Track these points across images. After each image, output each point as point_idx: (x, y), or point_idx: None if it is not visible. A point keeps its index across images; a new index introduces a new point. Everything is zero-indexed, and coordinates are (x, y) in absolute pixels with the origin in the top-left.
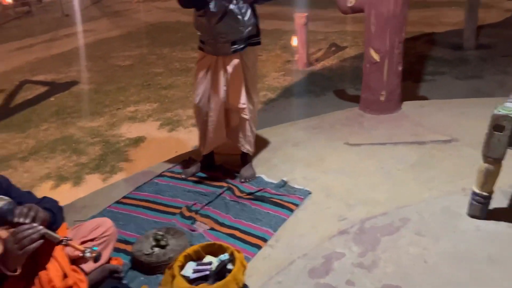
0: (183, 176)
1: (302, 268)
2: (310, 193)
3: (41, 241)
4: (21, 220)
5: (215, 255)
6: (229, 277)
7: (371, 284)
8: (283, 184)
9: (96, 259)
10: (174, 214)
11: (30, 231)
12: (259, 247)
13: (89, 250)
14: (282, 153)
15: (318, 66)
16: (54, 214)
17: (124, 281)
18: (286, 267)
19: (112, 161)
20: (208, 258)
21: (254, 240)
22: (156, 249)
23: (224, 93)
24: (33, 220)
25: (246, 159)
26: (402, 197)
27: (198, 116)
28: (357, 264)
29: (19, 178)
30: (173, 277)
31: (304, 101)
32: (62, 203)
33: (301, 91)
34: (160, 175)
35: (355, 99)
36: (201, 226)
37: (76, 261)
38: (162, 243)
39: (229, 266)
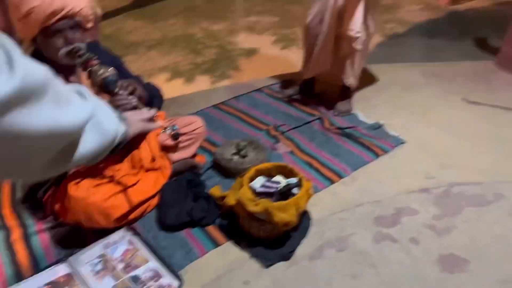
0: (280, 96)
1: (369, 212)
2: (403, 143)
3: None
4: (120, 92)
5: (285, 177)
6: (291, 200)
7: (435, 249)
8: (378, 126)
9: (174, 137)
10: (261, 130)
11: (124, 101)
12: (332, 181)
13: (170, 127)
14: (387, 95)
15: (464, 5)
16: (151, 97)
17: (202, 178)
18: (353, 208)
19: (223, 67)
20: (277, 178)
21: (329, 174)
22: (236, 157)
23: (338, 17)
24: (131, 93)
25: (346, 92)
26: (506, 172)
27: (306, 38)
28: (428, 225)
29: (141, 64)
30: (242, 185)
31: (434, 43)
32: (170, 95)
33: (435, 31)
34: (259, 90)
35: (494, 52)
36: (282, 148)
37: (165, 148)
38: (242, 153)
39: (295, 191)
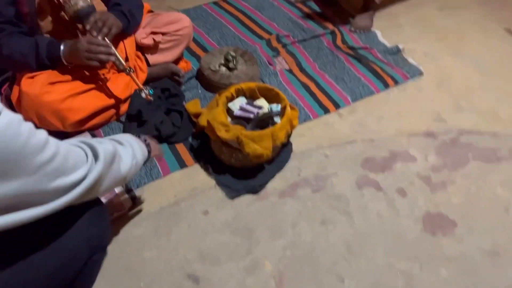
0: (293, 0)
1: (359, 152)
2: (421, 74)
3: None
4: (94, 33)
5: (269, 101)
6: (267, 130)
7: (423, 204)
8: (396, 51)
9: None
10: (261, 38)
11: (102, 49)
12: (326, 111)
13: (145, 90)
14: (416, 13)
15: None
16: (128, 22)
17: (182, 88)
18: (342, 144)
19: None
20: (261, 102)
21: (326, 102)
22: (223, 69)
23: None
24: (105, 36)
25: (369, 4)
26: None
27: None
28: (423, 176)
29: None
30: (217, 105)
31: None
32: None
33: None
34: None
35: None
36: (281, 63)
37: (142, 49)
38: (231, 65)
39: (276, 119)
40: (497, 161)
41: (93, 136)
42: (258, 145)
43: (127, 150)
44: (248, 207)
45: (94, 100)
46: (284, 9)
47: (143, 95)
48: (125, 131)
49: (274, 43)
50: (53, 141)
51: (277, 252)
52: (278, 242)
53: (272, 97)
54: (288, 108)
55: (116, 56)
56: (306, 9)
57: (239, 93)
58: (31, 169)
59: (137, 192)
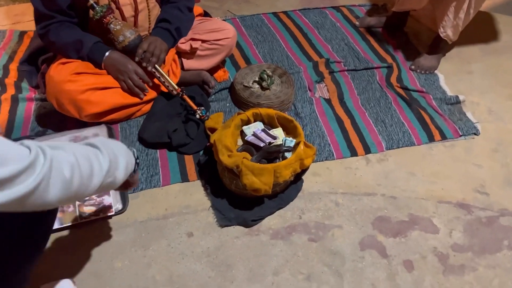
0: (356, 22)
1: (375, 208)
2: (476, 134)
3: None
4: (144, 64)
5: (287, 132)
6: (269, 166)
7: (428, 285)
8: (455, 102)
9: (200, 121)
10: (310, 60)
11: (140, 84)
12: (353, 153)
13: (199, 112)
14: (493, 62)
15: None
16: (174, 41)
17: (211, 98)
18: (359, 195)
19: None
20: (277, 131)
21: (356, 143)
22: (256, 86)
23: None
24: (154, 65)
25: (438, 45)
26: None
27: None
28: (439, 253)
29: None
30: (230, 125)
31: None
32: None
33: None
34: (337, 8)
35: None
36: (321, 91)
37: (180, 53)
38: (264, 84)
39: (288, 154)
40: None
41: (110, 129)
42: (257, 178)
43: (103, 166)
44: (235, 240)
45: (115, 96)
46: (345, 32)
47: (197, 116)
48: (141, 130)
49: (322, 68)
50: None
51: None
52: (253, 287)
53: (290, 129)
54: (302, 146)
55: (168, 81)
56: (368, 36)
57: (257, 118)
58: None
59: (131, 197)
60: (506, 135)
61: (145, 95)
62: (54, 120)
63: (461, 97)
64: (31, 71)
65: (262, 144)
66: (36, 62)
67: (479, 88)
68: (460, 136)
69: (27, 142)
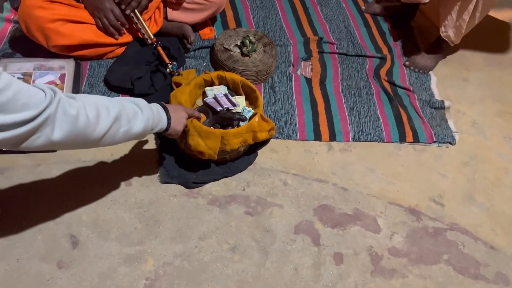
0: (363, 7)
1: (322, 196)
2: (451, 144)
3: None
4: (122, 7)
5: (249, 102)
6: (217, 131)
7: (352, 282)
8: (439, 106)
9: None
10: (303, 35)
11: (116, 24)
12: (317, 138)
13: (170, 66)
14: (494, 74)
15: None
16: None
17: (188, 54)
18: (311, 179)
19: None
20: (240, 99)
21: (323, 128)
22: (236, 51)
23: None
24: (133, 10)
25: (438, 45)
26: None
27: None
28: (374, 253)
29: None
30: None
31: None
32: None
33: None
34: None
35: None
36: (305, 69)
37: (168, 3)
38: (244, 50)
39: (243, 124)
40: (473, 277)
41: (78, 64)
42: (203, 141)
43: (110, 112)
44: (171, 198)
45: (86, 32)
46: (348, 14)
47: (168, 70)
48: (107, 72)
49: (312, 46)
50: (6, 78)
51: (167, 255)
52: (175, 247)
53: (252, 99)
54: (257, 118)
55: (145, 29)
56: (371, 23)
57: (222, 81)
58: None
59: None
60: (482, 151)
61: (120, 35)
62: (26, 45)
63: (446, 103)
64: None
65: (219, 108)
66: None
67: (470, 98)
68: (434, 142)
69: (41, 85)
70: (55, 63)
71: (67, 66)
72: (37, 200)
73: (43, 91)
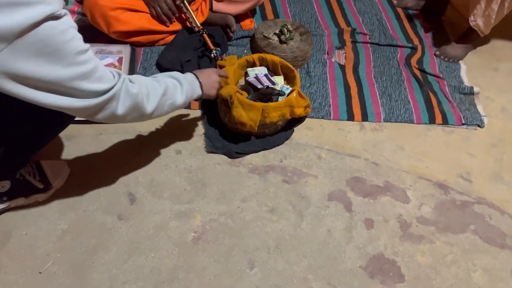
0: (395, 1)
1: (354, 169)
2: (479, 126)
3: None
4: (173, 6)
5: (287, 81)
6: (259, 104)
7: (382, 245)
8: (468, 92)
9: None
10: (337, 26)
11: (169, 13)
12: (350, 118)
13: (214, 51)
14: None
15: None
16: None
17: (231, 41)
18: (343, 154)
19: None
20: (279, 79)
21: (356, 110)
22: (274, 39)
23: None
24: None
25: (468, 36)
26: None
27: None
28: (403, 220)
29: None
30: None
31: None
32: None
33: None
34: None
35: None
36: (339, 57)
37: None
38: (282, 38)
39: (281, 99)
40: (499, 246)
41: (133, 49)
42: (245, 113)
43: (158, 89)
44: (216, 166)
45: (141, 20)
46: (380, 7)
47: (212, 55)
48: (159, 56)
49: (346, 36)
50: (91, 53)
51: (213, 213)
52: (220, 206)
53: (290, 79)
54: (294, 94)
55: (192, 18)
56: (402, 16)
57: (262, 62)
58: (67, 63)
59: None
60: (511, 134)
61: (171, 23)
62: (88, 33)
63: (475, 89)
64: None
65: (260, 86)
66: None
67: (499, 86)
68: (463, 124)
69: (111, 69)
70: (114, 48)
71: (124, 50)
72: (100, 163)
73: (111, 72)
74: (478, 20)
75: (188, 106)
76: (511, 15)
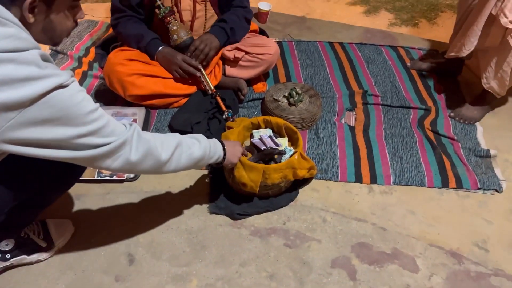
0: (409, 64)
1: (360, 234)
2: (497, 191)
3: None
4: (193, 61)
5: (291, 143)
6: (259, 165)
7: None
8: (485, 155)
9: (225, 121)
10: (349, 87)
11: (191, 70)
12: (358, 180)
13: (226, 113)
14: None
15: None
16: (227, 39)
17: (242, 104)
18: (350, 218)
19: (418, 11)
20: (283, 140)
21: (365, 172)
22: (283, 101)
23: None
24: (201, 62)
25: (483, 97)
26: None
27: (459, 4)
28: None
29: None
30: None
31: None
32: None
33: None
34: (394, 48)
35: None
36: (349, 119)
37: (224, 59)
38: (291, 100)
39: (282, 159)
40: None
41: (148, 112)
42: (246, 174)
43: (171, 139)
44: (217, 227)
45: (157, 84)
46: (394, 70)
47: (224, 116)
48: (172, 118)
49: (357, 98)
50: (101, 111)
51: (210, 277)
52: (217, 270)
53: (294, 141)
54: (296, 156)
55: (206, 81)
56: (417, 78)
57: (267, 124)
58: (78, 123)
59: None
60: None
61: (194, 78)
62: (107, 96)
63: (492, 152)
64: (103, 54)
65: (263, 148)
66: (108, 48)
67: None
68: (479, 189)
69: (124, 121)
70: (129, 110)
71: (139, 113)
72: (104, 222)
73: (123, 124)
74: (491, 83)
75: None
76: None
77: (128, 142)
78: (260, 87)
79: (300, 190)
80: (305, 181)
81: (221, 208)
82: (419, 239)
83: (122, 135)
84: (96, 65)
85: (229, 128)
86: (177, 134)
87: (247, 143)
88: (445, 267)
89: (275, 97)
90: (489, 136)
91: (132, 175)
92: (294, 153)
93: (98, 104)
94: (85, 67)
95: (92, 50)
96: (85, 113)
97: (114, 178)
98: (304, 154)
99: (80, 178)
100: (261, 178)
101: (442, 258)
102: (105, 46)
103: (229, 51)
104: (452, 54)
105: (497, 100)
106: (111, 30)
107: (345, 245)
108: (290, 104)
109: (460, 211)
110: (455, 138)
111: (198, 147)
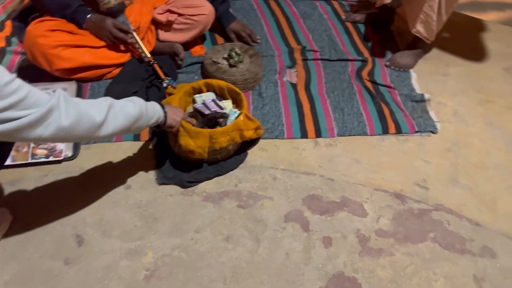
0: (343, 16)
1: (310, 186)
2: (433, 132)
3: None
4: (124, 25)
5: (236, 105)
6: (205, 131)
7: (341, 263)
8: (420, 99)
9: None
10: (288, 45)
11: (123, 36)
12: (304, 135)
13: (167, 81)
14: (473, 68)
15: None
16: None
17: (180, 70)
18: (299, 173)
19: None
20: (226, 103)
21: (309, 126)
22: (224, 63)
23: None
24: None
25: (416, 43)
26: None
27: None
28: (361, 235)
29: None
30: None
31: None
32: None
33: None
34: (326, 0)
35: None
36: (290, 76)
37: (156, 24)
38: (231, 61)
39: (228, 122)
40: (459, 252)
41: (79, 86)
42: (193, 141)
43: (102, 102)
44: (168, 197)
45: (85, 55)
46: (330, 23)
47: (164, 85)
48: (106, 90)
49: (297, 54)
50: (19, 81)
51: (165, 248)
52: (172, 240)
53: (238, 102)
54: (241, 117)
55: (141, 47)
56: (352, 30)
57: (209, 88)
58: None
59: (84, 147)
60: (464, 137)
61: (130, 38)
62: (32, 73)
63: (426, 96)
64: (21, 27)
65: (207, 112)
66: (26, 20)
67: (450, 90)
68: (416, 132)
69: (48, 90)
70: (59, 85)
71: (70, 87)
72: (45, 206)
73: (47, 93)
74: (417, 27)
75: (137, 137)
76: (458, 21)
77: (55, 108)
78: (198, 50)
79: (249, 151)
80: (253, 142)
81: (170, 178)
82: (365, 185)
83: (47, 103)
84: (14, 39)
85: (170, 94)
86: (108, 97)
87: (189, 109)
88: (391, 209)
89: (214, 60)
90: (422, 81)
91: (70, 154)
92: (239, 115)
93: (14, 75)
94: (2, 43)
95: (8, 23)
96: (1, 85)
97: (51, 159)
98: (249, 115)
99: (12, 163)
100: (209, 143)
101: (388, 200)
102: (22, 18)
103: (160, 14)
104: (379, 1)
105: (428, 47)
106: (27, 0)
107: (296, 199)
108: (230, 65)
109: (401, 155)
110: (392, 86)
111: (133, 106)
